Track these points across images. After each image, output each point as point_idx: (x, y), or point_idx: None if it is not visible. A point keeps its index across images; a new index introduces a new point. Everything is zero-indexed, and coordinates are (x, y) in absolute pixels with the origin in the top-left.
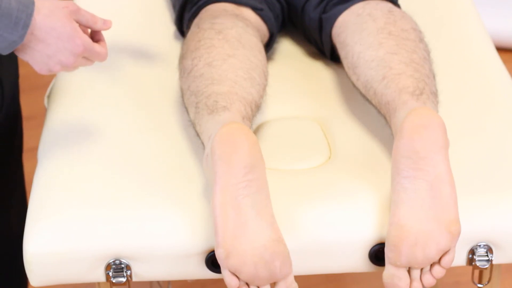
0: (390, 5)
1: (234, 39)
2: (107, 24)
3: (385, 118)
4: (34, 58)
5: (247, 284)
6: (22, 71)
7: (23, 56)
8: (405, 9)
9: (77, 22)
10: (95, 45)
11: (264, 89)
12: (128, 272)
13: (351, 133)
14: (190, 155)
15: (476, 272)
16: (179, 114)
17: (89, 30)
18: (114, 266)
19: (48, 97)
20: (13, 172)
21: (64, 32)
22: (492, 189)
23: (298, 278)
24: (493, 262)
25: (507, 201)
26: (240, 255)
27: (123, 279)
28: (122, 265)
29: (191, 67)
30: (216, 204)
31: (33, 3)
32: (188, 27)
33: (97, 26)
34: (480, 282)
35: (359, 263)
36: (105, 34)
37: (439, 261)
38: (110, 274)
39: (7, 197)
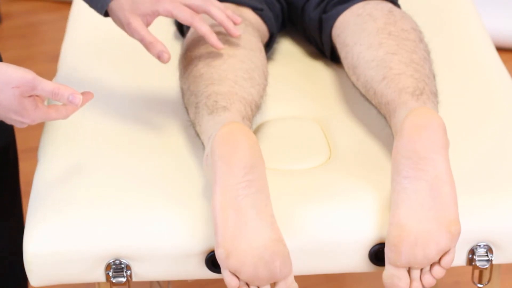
0: (390, 5)
1: (234, 39)
2: (74, 100)
3: (385, 118)
4: None
5: (247, 284)
6: None
7: None
8: (405, 9)
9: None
10: (51, 113)
11: (264, 89)
12: (128, 272)
13: (351, 133)
14: (190, 155)
15: (476, 272)
16: (179, 114)
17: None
18: (114, 266)
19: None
20: (8, 203)
21: (10, 109)
22: (492, 189)
23: (298, 278)
24: (493, 262)
25: (507, 201)
26: (240, 255)
27: (123, 279)
28: (122, 265)
29: (191, 67)
30: (216, 204)
31: None
32: (188, 27)
33: (62, 101)
34: (480, 282)
35: (359, 263)
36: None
37: (439, 261)
38: (110, 274)
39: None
